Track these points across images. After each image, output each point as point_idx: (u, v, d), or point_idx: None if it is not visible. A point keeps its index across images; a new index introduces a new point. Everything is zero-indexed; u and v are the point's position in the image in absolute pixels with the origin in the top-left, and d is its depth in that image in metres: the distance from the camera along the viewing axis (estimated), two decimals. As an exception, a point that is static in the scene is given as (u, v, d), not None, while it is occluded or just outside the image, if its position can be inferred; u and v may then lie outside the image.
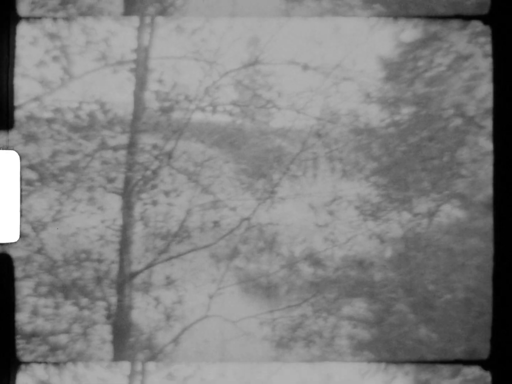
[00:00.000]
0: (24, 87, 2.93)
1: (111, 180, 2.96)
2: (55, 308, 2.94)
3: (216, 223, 2.98)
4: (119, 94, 2.97)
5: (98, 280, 2.96)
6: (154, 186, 2.97)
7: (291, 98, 2.98)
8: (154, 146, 2.97)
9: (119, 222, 2.98)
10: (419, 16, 2.90)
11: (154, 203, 2.98)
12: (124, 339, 2.96)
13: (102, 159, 2.97)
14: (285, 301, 2.97)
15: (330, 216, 2.96)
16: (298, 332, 2.97)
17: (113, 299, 2.97)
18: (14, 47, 2.82)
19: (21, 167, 2.96)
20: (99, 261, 2.97)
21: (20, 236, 2.95)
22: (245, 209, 2.99)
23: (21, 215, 2.96)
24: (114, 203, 2.98)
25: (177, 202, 2.98)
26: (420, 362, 2.85)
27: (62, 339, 2.96)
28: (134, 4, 2.92)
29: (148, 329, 2.96)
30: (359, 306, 2.95)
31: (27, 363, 2.86)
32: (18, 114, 2.94)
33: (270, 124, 2.99)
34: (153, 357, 2.95)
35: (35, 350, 2.94)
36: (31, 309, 2.95)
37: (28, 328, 2.94)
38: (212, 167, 3.00)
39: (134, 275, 2.98)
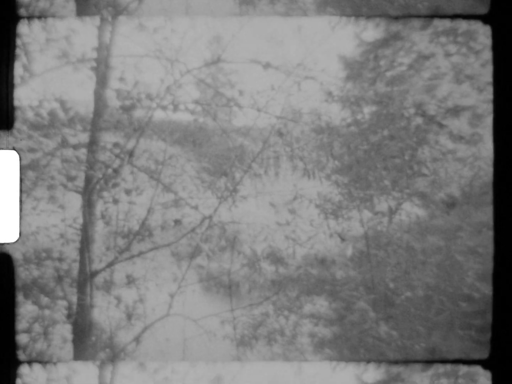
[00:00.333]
0: (-16, 85, 2.90)
1: (71, 179, 2.94)
2: (15, 307, 2.92)
3: (177, 222, 2.97)
4: (80, 92, 2.96)
5: (59, 279, 2.95)
6: (115, 185, 2.96)
7: (253, 97, 2.98)
8: (115, 145, 2.95)
9: (80, 220, 2.96)
10: (418, 16, 2.89)
11: (115, 201, 2.97)
12: (85, 338, 2.94)
13: (63, 157, 2.95)
14: (246, 300, 2.98)
15: (291, 214, 2.97)
16: (259, 330, 2.97)
17: (74, 298, 2.96)
18: (14, 46, 2.79)
19: (-19, 166, 2.93)
20: (60, 260, 2.95)
21: (-20, 235, 2.92)
22: (206, 207, 2.99)
23: (-20, 214, 2.93)
24: (75, 201, 2.97)
25: (139, 201, 2.98)
26: (417, 362, 2.87)
27: (23, 338, 2.94)
28: (87, 8, 2.91)
29: (110, 328, 2.95)
30: (320, 304, 2.96)
31: (27, 362, 2.83)
32: (-22, 112, 2.92)
33: (232, 123, 2.99)
34: (114, 357, 2.94)
35: (-5, 350, 2.92)
36: (-9, 308, 2.92)
37: (-13, 328, 2.91)
38: (174, 165, 3.00)
39: (95, 273, 2.96)
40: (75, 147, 2.94)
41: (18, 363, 2.78)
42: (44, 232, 2.95)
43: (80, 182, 2.96)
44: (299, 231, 2.97)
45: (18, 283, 2.92)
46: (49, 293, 2.94)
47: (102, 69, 2.96)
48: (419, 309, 2.89)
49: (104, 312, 2.95)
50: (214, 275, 2.97)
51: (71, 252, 2.96)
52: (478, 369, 2.74)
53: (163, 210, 2.97)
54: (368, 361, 2.88)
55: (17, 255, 2.94)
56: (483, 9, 2.75)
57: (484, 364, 2.69)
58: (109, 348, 2.94)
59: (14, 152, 2.57)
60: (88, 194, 2.96)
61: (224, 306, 2.97)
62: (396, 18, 2.88)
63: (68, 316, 2.95)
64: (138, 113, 2.96)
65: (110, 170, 2.96)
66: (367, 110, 2.98)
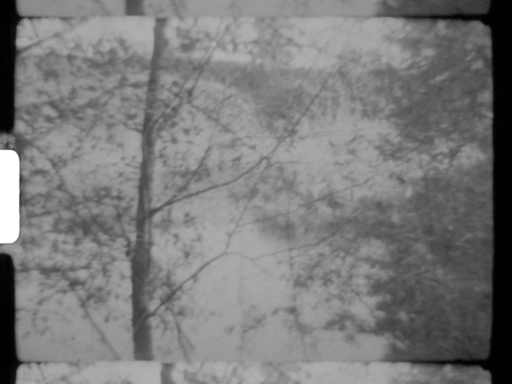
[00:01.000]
0: (44, 23, 2.92)
1: (131, 117, 2.96)
2: (74, 244, 2.96)
3: (235, 162, 2.98)
4: (139, 31, 2.95)
5: (118, 216, 2.98)
6: (174, 124, 2.97)
7: (313, 36, 2.95)
8: (174, 84, 2.96)
9: (139, 159, 2.98)
10: (418, 17, 2.86)
11: (174, 140, 2.98)
12: (143, 276, 2.97)
13: (123, 95, 2.96)
14: (303, 240, 2.98)
15: (350, 155, 2.96)
16: (315, 271, 2.98)
17: (133, 236, 2.99)
18: (14, 46, 2.79)
19: (41, 104, 2.96)
20: (119, 198, 2.98)
21: (40, 172, 2.96)
22: (264, 147, 2.99)
23: (40, 152, 2.96)
24: (134, 140, 2.98)
25: (197, 140, 2.98)
26: (418, 362, 2.86)
27: (82, 275, 2.98)
28: None
29: (167, 265, 2.98)
30: (377, 246, 2.96)
31: (27, 362, 2.84)
32: (38, 51, 2.93)
33: (291, 64, 2.97)
34: (171, 294, 2.97)
35: (54, 285, 2.96)
36: (51, 245, 2.97)
37: (48, 264, 2.96)
38: (232, 106, 3.00)
39: (153, 212, 2.99)
40: (135, 85, 2.95)
41: (18, 363, 2.77)
42: (103, 170, 2.97)
43: (139, 121, 2.97)
44: (357, 172, 2.95)
45: (78, 220, 2.96)
46: (108, 230, 2.97)
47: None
48: (479, 251, 2.87)
49: (162, 250, 2.98)
50: (271, 215, 2.97)
51: (130, 190, 2.99)
52: (478, 369, 2.72)
53: (221, 150, 2.98)
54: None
55: (77, 193, 2.97)
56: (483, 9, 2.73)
57: (484, 364, 2.67)
58: (166, 286, 2.97)
59: (14, 152, 2.55)
60: (148, 132, 2.97)
61: (281, 246, 2.98)
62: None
63: (127, 253, 2.98)
64: (197, 53, 2.95)
65: (169, 109, 2.96)
66: (428, 52, 2.94)
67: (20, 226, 2.93)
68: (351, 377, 2.93)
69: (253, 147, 2.98)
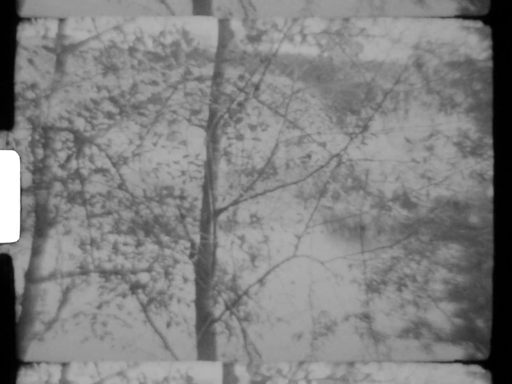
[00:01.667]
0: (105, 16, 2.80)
1: (194, 113, 2.82)
2: (135, 246, 2.83)
3: (304, 160, 2.82)
4: (203, 23, 2.81)
5: (181, 217, 2.84)
6: (239, 120, 2.82)
7: (387, 26, 2.78)
8: (240, 77, 2.81)
9: (203, 157, 2.84)
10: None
11: (240, 137, 2.83)
12: (207, 279, 2.83)
13: (186, 90, 2.82)
14: (375, 243, 2.82)
15: (427, 151, 2.78)
16: (389, 275, 2.81)
17: (197, 237, 2.85)
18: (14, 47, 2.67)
19: (101, 99, 2.83)
20: (182, 197, 2.84)
21: (100, 171, 2.84)
22: (335, 144, 2.82)
23: (100, 150, 2.84)
24: (198, 137, 2.84)
25: (263, 137, 2.83)
26: (418, 362, 2.74)
27: (143, 278, 2.85)
28: None
29: (233, 269, 2.83)
30: (455, 249, 2.78)
31: (27, 363, 2.71)
32: (97, 44, 2.81)
33: (361, 56, 2.81)
34: (237, 299, 2.83)
35: (114, 289, 2.84)
36: (111, 246, 2.84)
37: (108, 266, 2.84)
38: (300, 101, 2.84)
39: (218, 212, 2.85)
40: (199, 79, 2.81)
41: (18, 363, 2.66)
42: (165, 168, 2.84)
43: (203, 116, 2.83)
44: (434, 171, 2.78)
45: (139, 220, 2.83)
46: (170, 231, 2.84)
47: (225, -1, 2.81)
48: None
49: (227, 252, 2.83)
50: (342, 216, 2.81)
51: (193, 190, 2.85)
52: (478, 369, 2.65)
53: (288, 147, 2.82)
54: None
55: (137, 192, 2.84)
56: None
57: (484, 364, 2.62)
58: (231, 290, 2.82)
59: (14, 152, 2.48)
60: (212, 129, 2.83)
61: (352, 249, 2.82)
62: None
63: (190, 255, 2.84)
64: (264, 45, 2.80)
65: (234, 104, 2.81)
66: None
67: (79, 226, 2.81)
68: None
69: (322, 144, 2.82)
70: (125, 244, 2.84)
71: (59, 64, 2.81)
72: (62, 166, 2.82)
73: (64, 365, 2.72)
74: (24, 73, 2.78)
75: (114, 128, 2.84)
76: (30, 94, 2.80)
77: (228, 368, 2.78)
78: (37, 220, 2.81)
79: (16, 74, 2.72)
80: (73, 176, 2.82)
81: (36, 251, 2.82)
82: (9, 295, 2.61)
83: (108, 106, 2.84)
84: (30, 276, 2.82)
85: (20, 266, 2.81)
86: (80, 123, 2.83)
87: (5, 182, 2.45)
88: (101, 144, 2.84)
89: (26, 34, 2.74)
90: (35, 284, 2.82)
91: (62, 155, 2.83)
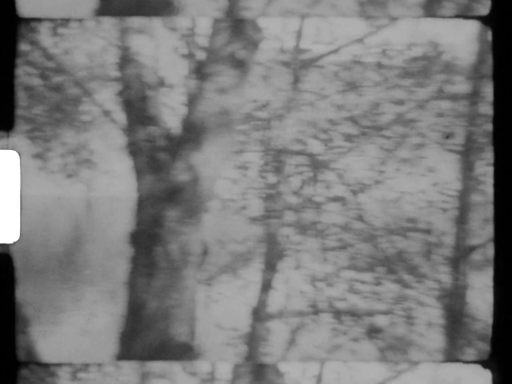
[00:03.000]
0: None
1: (446, 136, 2.48)
2: (374, 285, 2.51)
3: None
4: (457, 33, 2.49)
5: (427, 254, 2.50)
6: (499, 144, 2.47)
7: None
8: (502, 96, 2.45)
9: (455, 186, 2.50)
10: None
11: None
12: (456, 326, 2.48)
13: (437, 110, 2.49)
14: None
15: None
16: None
17: (445, 278, 2.50)
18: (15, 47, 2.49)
19: (340, 120, 2.55)
20: (428, 231, 2.51)
21: (337, 199, 2.56)
22: None
23: (338, 176, 2.56)
24: (450, 163, 2.51)
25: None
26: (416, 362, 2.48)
27: (380, 321, 2.53)
28: None
29: (484, 316, 2.47)
30: None
31: (28, 363, 2.49)
32: (336, 59, 2.54)
33: None
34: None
35: (347, 331, 2.54)
36: (346, 284, 2.55)
37: (341, 306, 2.54)
38: None
39: (471, 249, 2.49)
40: (453, 98, 2.48)
41: (18, 363, 2.47)
42: (409, 198, 2.52)
43: (458, 140, 2.49)
44: None
45: (379, 256, 2.52)
46: (414, 269, 2.51)
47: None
48: None
49: (480, 296, 2.47)
50: None
51: (442, 223, 2.51)
52: (478, 369, 2.45)
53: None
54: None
55: (377, 224, 2.53)
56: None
57: (484, 364, 2.44)
58: (483, 342, 2.46)
59: (14, 152, 2.43)
60: (466, 154, 2.48)
61: None
62: None
63: (438, 298, 2.50)
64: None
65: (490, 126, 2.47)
66: None
67: (311, 260, 2.54)
68: None
69: None
70: (362, 282, 2.54)
71: (295, 81, 2.55)
72: (295, 193, 2.55)
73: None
74: (257, 91, 2.54)
75: (352, 152, 2.55)
76: (261, 114, 2.56)
77: None
78: (267, 252, 2.56)
79: (248, 91, 2.50)
80: (306, 205, 2.55)
81: (265, 286, 2.56)
82: (9, 296, 2.46)
83: (346, 127, 2.56)
84: (258, 314, 2.56)
85: (247, 302, 2.57)
86: (315, 146, 2.56)
87: (5, 182, 2.40)
88: (338, 169, 2.56)
89: (264, 47, 2.51)
90: (261, 322, 2.56)
91: (295, 181, 2.57)
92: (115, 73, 2.54)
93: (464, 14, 2.49)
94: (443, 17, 2.47)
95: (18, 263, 2.42)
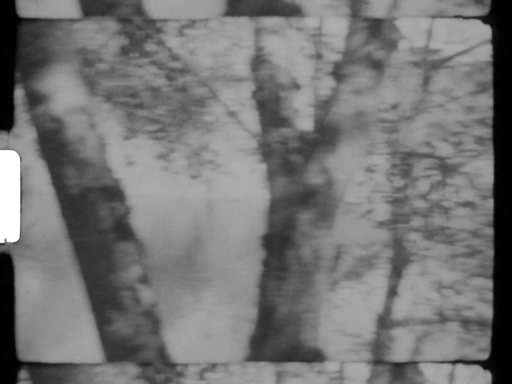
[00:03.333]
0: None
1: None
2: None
3: None
4: None
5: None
6: None
7: None
8: None
9: None
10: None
11: None
12: None
13: None
14: None
15: None
16: None
17: None
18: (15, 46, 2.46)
19: (471, 122, 2.48)
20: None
21: (468, 204, 2.48)
22: None
23: (467, 180, 2.49)
24: None
25: None
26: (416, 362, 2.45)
27: (510, 331, 2.45)
28: None
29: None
30: None
31: (27, 363, 2.47)
32: (468, 59, 2.47)
33: None
34: None
35: (474, 341, 2.46)
36: (475, 292, 2.47)
37: (469, 315, 2.47)
38: None
39: None
40: None
41: (18, 363, 2.46)
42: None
43: None
44: None
45: None
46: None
47: None
48: None
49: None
50: None
51: None
52: (478, 369, 2.42)
53: None
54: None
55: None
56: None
57: (484, 364, 2.42)
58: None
59: (14, 152, 2.42)
60: None
61: None
62: None
63: None
64: None
65: None
66: None
67: (438, 267, 2.47)
68: None
69: None
70: (492, 290, 2.46)
71: (425, 82, 2.48)
72: (423, 197, 2.49)
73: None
74: (388, 92, 2.49)
75: (483, 156, 2.47)
76: (390, 116, 2.50)
77: None
78: (393, 258, 2.50)
79: (380, 93, 2.45)
80: (434, 209, 2.48)
81: (390, 292, 2.51)
82: (9, 296, 2.45)
83: (477, 130, 2.48)
84: (382, 320, 2.50)
85: (371, 308, 2.51)
86: (444, 149, 2.50)
87: (5, 182, 2.40)
88: (468, 173, 2.48)
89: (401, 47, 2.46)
90: (386, 329, 2.50)
91: (423, 185, 2.50)
92: (243, 73, 2.52)
93: (463, 14, 2.42)
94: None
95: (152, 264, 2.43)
